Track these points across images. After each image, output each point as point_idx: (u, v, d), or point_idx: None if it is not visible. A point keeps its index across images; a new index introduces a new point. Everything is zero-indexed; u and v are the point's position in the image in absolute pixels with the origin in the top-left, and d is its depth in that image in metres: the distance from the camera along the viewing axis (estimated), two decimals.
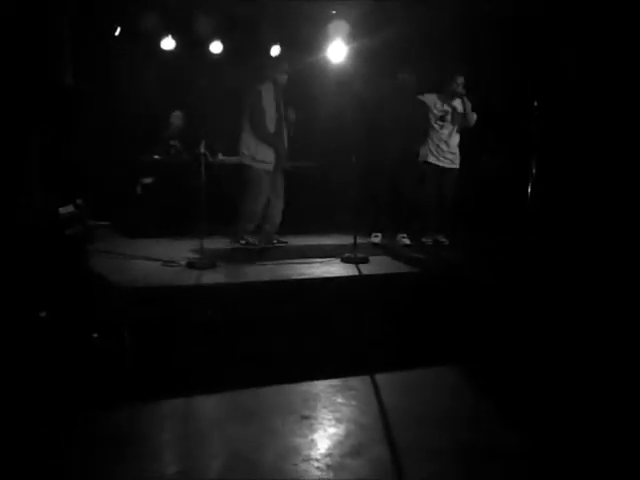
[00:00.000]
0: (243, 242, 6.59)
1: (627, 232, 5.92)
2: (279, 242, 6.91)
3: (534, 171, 6.39)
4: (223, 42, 8.24)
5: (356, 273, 5.53)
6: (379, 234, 7.03)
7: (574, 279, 5.40)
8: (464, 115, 6.90)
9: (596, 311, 4.95)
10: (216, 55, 8.35)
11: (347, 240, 6.36)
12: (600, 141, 6.50)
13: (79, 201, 5.42)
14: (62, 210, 5.04)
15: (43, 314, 4.08)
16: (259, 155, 6.41)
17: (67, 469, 2.91)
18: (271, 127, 6.43)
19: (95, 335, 4.04)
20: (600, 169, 6.45)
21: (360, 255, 5.91)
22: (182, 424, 3.50)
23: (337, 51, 7.08)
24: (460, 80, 6.85)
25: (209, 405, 3.72)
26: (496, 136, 7.61)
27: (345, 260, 5.92)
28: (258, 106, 6.36)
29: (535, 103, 6.47)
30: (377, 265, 5.88)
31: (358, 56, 7.25)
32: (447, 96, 6.93)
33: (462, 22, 7.36)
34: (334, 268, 5.70)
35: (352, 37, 7.05)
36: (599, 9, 6.33)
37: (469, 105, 6.88)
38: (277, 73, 6.55)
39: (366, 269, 5.65)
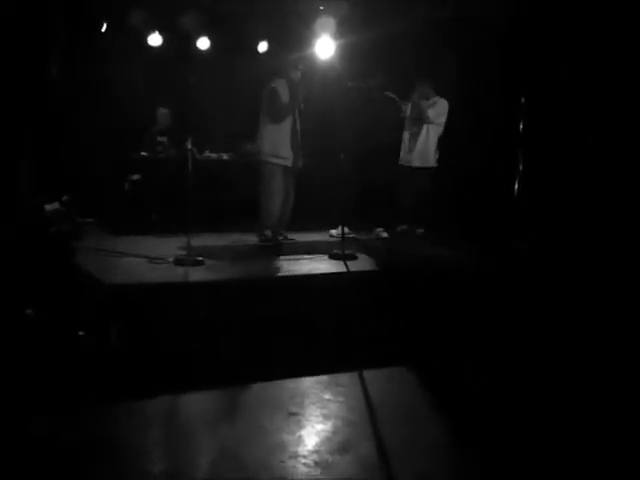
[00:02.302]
0: (263, 237, 6.64)
1: (616, 232, 5.95)
2: (286, 239, 6.90)
3: (521, 167, 6.45)
4: (210, 38, 8.21)
5: (344, 270, 5.53)
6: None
7: (559, 275, 5.44)
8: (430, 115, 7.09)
9: (580, 309, 5.00)
10: (203, 51, 8.32)
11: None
12: (589, 139, 6.53)
13: (65, 198, 5.39)
14: (48, 207, 5.01)
15: (29, 311, 4.06)
16: (279, 151, 6.45)
17: (52, 467, 2.89)
18: (287, 123, 6.48)
19: (81, 332, 4.02)
20: (589, 166, 6.47)
21: (348, 252, 5.91)
22: (169, 421, 3.50)
23: (324, 48, 7.07)
24: (425, 82, 7.11)
25: (197, 402, 3.72)
26: (485, 131, 7.64)
27: (333, 257, 5.91)
28: (276, 100, 6.40)
29: (522, 100, 6.50)
30: (365, 262, 5.89)
31: (345, 53, 7.26)
32: (417, 98, 7.15)
33: (452, 21, 7.38)
34: (322, 265, 5.70)
35: (339, 34, 7.05)
36: (591, 8, 6.35)
37: (437, 105, 7.07)
38: (290, 70, 6.57)
39: (354, 266, 5.65)
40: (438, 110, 7.03)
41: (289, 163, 6.53)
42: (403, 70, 7.38)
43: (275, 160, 6.46)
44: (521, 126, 6.54)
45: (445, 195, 7.33)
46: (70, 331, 4.00)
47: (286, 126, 6.50)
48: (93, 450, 3.04)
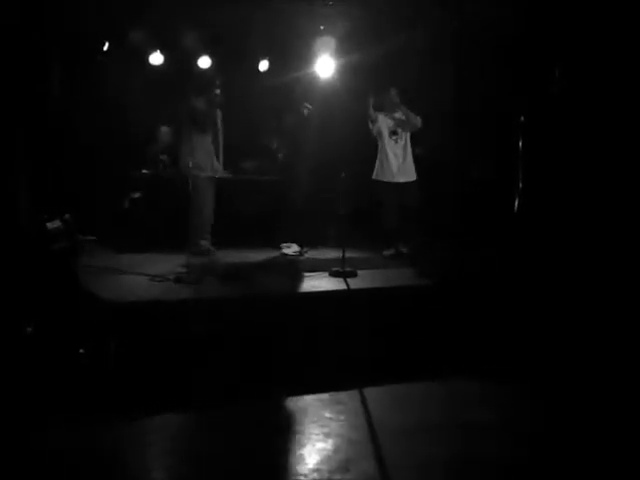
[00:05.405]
0: (196, 250, 6.64)
1: (615, 247, 5.96)
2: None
3: (520, 184, 6.47)
4: (211, 57, 8.27)
5: (344, 287, 5.52)
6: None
7: (557, 289, 5.44)
8: (408, 121, 6.97)
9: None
10: (204, 70, 8.37)
11: (335, 254, 6.35)
12: (585, 152, 6.56)
13: (67, 216, 5.40)
14: (49, 225, 5.02)
15: (29, 329, 4.05)
16: (202, 164, 6.79)
17: None
18: (208, 137, 6.91)
19: (81, 350, 4.01)
20: (585, 179, 6.50)
21: (348, 269, 5.90)
22: (167, 440, 3.48)
23: (324, 66, 7.17)
24: (393, 91, 7.03)
25: (195, 421, 3.70)
26: (484, 149, 7.68)
27: (333, 274, 5.91)
28: (194, 116, 6.81)
29: (522, 118, 6.54)
30: (365, 279, 5.88)
31: (345, 71, 7.34)
32: (389, 110, 7.04)
33: (451, 39, 7.45)
34: (322, 282, 5.69)
35: (339, 53, 7.13)
36: (584, 25, 6.41)
37: (407, 111, 6.96)
38: (209, 87, 6.94)
39: (354, 283, 5.64)
40: (413, 113, 6.95)
41: (214, 174, 6.94)
42: (404, 86, 7.41)
43: (201, 173, 6.79)
44: (520, 144, 6.57)
45: (444, 211, 7.34)
46: (70, 349, 4.00)
47: (207, 140, 6.90)
48: (91, 466, 3.03)
